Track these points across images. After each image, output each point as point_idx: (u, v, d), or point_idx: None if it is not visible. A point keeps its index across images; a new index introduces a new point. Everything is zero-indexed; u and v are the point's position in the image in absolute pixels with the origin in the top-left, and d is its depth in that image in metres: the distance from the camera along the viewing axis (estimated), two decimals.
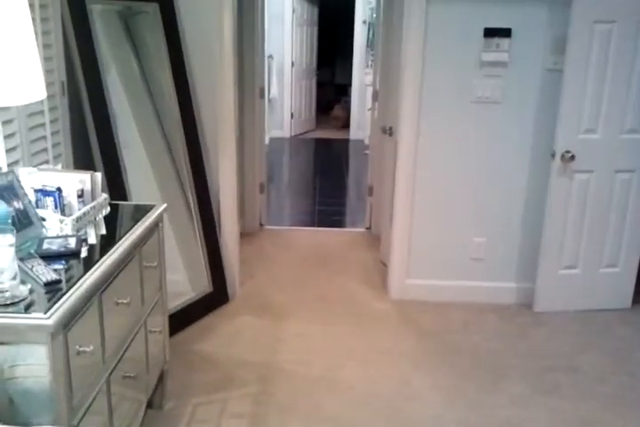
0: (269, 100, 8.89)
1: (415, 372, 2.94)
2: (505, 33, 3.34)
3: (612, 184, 3.42)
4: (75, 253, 1.84)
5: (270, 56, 8.66)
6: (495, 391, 2.80)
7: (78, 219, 2.06)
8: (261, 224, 5.05)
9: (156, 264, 2.27)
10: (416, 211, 3.62)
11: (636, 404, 2.73)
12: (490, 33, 3.34)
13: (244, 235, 4.55)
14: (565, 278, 3.53)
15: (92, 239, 2.05)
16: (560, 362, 3.07)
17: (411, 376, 2.90)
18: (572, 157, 3.30)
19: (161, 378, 2.48)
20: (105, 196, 2.30)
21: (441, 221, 3.64)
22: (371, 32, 8.24)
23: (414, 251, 3.69)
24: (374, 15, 6.45)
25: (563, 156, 3.30)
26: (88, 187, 2.20)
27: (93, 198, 2.22)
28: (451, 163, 3.54)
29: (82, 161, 2.80)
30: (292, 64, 9.16)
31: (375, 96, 4.78)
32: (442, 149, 3.53)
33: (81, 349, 1.59)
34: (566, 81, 3.24)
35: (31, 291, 1.56)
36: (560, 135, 3.30)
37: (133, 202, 2.83)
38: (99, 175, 2.26)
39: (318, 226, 5.26)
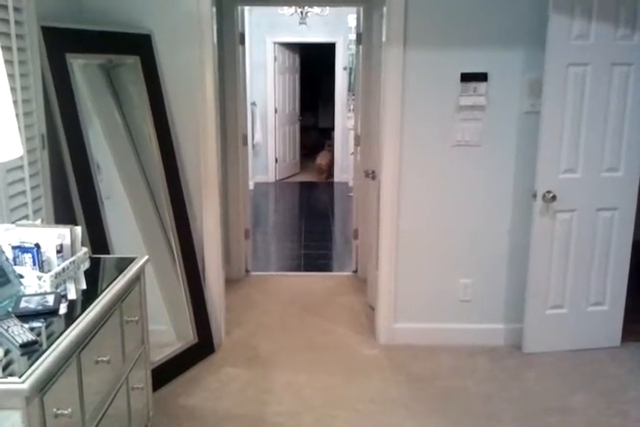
0: (254, 146, 8.97)
1: (406, 420, 2.88)
2: (482, 77, 3.41)
3: (594, 222, 3.44)
4: (53, 311, 1.80)
5: (254, 103, 8.78)
6: None
7: (57, 275, 2.03)
8: (247, 270, 5.01)
9: (137, 318, 2.23)
10: (401, 254, 3.61)
11: None
12: (467, 77, 3.41)
13: (230, 282, 4.51)
14: (553, 318, 3.51)
15: (72, 295, 2.02)
16: (552, 404, 3.02)
17: (402, 425, 2.84)
18: (554, 197, 3.32)
19: None
20: (85, 250, 2.27)
21: (426, 263, 3.63)
22: (352, 76, 8.40)
23: (401, 294, 3.66)
24: (354, 61, 6.58)
25: (544, 196, 3.33)
26: (67, 241, 2.17)
27: (73, 253, 2.19)
28: (434, 206, 3.56)
29: (63, 214, 2.78)
30: (276, 110, 9.28)
31: (357, 140, 4.84)
32: (424, 192, 3.55)
33: (58, 411, 1.54)
34: (544, 123, 3.29)
35: (6, 353, 1.52)
36: (540, 176, 3.33)
37: (115, 255, 2.80)
38: (78, 229, 2.24)
39: (304, 270, 5.22)
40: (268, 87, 9.12)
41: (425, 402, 3.04)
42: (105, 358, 1.86)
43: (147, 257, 2.39)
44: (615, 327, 3.60)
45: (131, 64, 3.21)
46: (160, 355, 3.16)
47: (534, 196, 3.36)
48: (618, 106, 3.32)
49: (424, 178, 3.53)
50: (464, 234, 3.58)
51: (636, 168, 3.41)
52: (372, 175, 3.98)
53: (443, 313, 3.67)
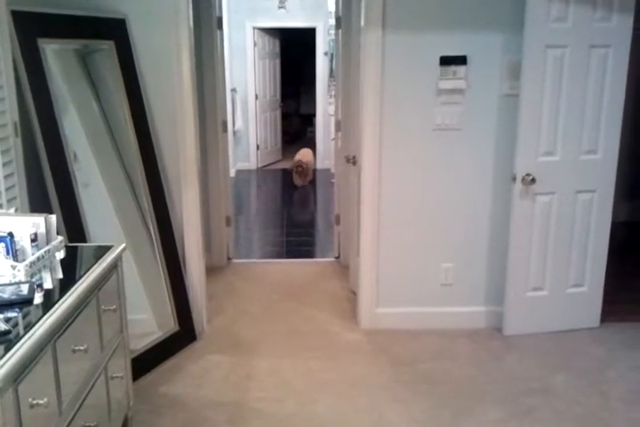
0: (235, 133, 8.90)
1: (389, 403, 2.89)
2: (461, 60, 3.39)
3: (573, 205, 3.46)
4: (28, 301, 1.77)
5: (234, 89, 8.71)
6: (471, 419, 2.76)
7: (32, 264, 2.00)
8: (229, 258, 4.99)
9: (115, 307, 2.21)
10: (382, 239, 3.61)
11: (609, 423, 2.71)
12: (446, 61, 3.39)
13: (212, 270, 4.49)
14: (533, 300, 3.54)
15: (48, 284, 1.99)
16: (534, 385, 3.05)
17: (385, 408, 2.85)
18: (533, 180, 3.33)
19: (125, 424, 2.40)
20: (60, 238, 2.24)
21: (408, 248, 3.63)
22: (333, 62, 8.34)
23: (382, 279, 3.66)
24: (335, 46, 6.52)
25: (523, 179, 3.34)
26: (42, 230, 2.14)
27: (48, 242, 2.16)
28: (414, 190, 3.55)
29: (38, 203, 2.74)
30: (256, 97, 9.21)
31: (338, 126, 4.81)
32: (405, 176, 3.54)
33: (34, 401, 1.52)
34: (523, 105, 3.29)
35: None
36: (520, 159, 3.34)
37: (92, 243, 2.76)
38: (53, 218, 2.21)
39: (287, 257, 5.22)
40: (248, 73, 9.04)
41: (407, 385, 3.05)
42: (82, 347, 1.84)
43: (124, 245, 2.36)
44: (594, 308, 3.63)
45: (106, 49, 3.16)
46: (141, 344, 3.15)
47: (514, 179, 3.36)
48: (596, 88, 3.33)
49: (404, 163, 3.52)
50: (445, 218, 3.59)
51: (614, 150, 3.43)
52: (352, 161, 3.97)
53: (424, 297, 3.68)
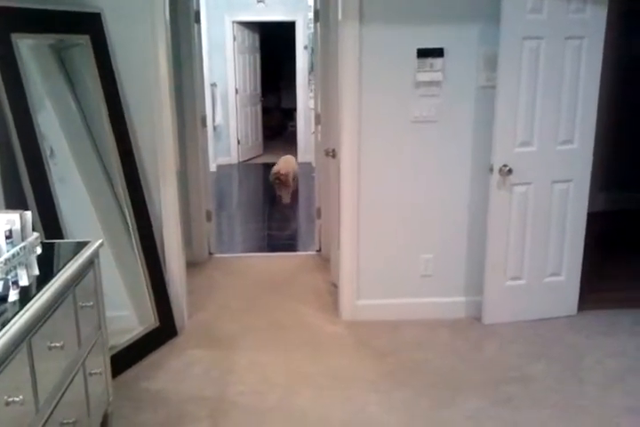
0: (215, 128, 8.87)
1: (370, 394, 2.91)
2: (438, 53, 3.40)
3: (550, 195, 3.50)
4: (2, 298, 1.76)
5: (214, 84, 8.66)
6: (451, 407, 2.79)
7: (7, 261, 1.97)
8: (210, 253, 4.98)
9: (92, 304, 2.20)
10: (362, 231, 3.63)
11: (587, 410, 2.76)
12: (423, 53, 3.40)
13: (193, 264, 4.48)
14: (511, 290, 3.58)
15: (24, 281, 1.97)
16: (513, 373, 3.08)
17: (366, 399, 2.87)
18: (510, 171, 3.36)
19: (105, 420, 2.39)
20: (36, 235, 2.22)
21: (387, 240, 3.65)
22: (313, 55, 8.33)
23: (363, 271, 3.68)
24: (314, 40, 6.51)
25: (500, 169, 3.36)
26: (17, 226, 2.12)
27: (24, 238, 2.14)
28: (393, 182, 3.57)
29: (13, 200, 2.72)
30: (237, 91, 9.18)
31: (318, 119, 4.81)
32: (384, 169, 3.55)
33: (9, 399, 1.52)
34: (499, 97, 3.31)
35: None
36: (497, 149, 3.36)
37: (69, 239, 2.75)
38: (28, 214, 2.18)
39: (269, 251, 5.22)
40: (227, 68, 9.00)
41: (389, 376, 3.08)
42: (58, 344, 1.83)
43: (101, 241, 2.35)
44: (572, 297, 3.68)
45: (82, 44, 3.13)
46: (122, 340, 3.14)
47: (491, 169, 3.39)
48: (571, 79, 3.36)
49: (383, 155, 3.53)
50: (424, 210, 3.61)
51: (589, 140, 3.47)
52: (332, 154, 3.97)
53: (404, 289, 3.71)
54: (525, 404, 2.82)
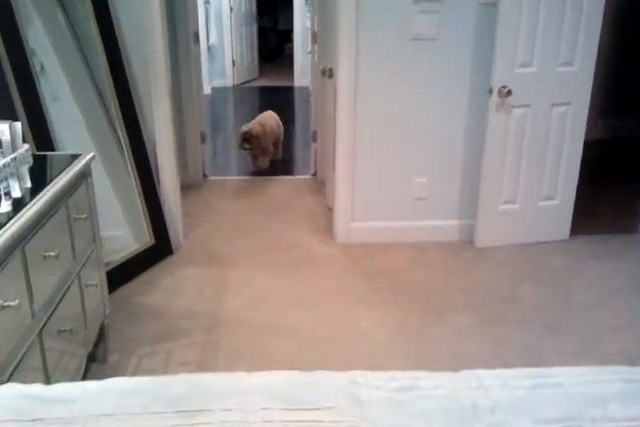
0: (209, 48, 8.62)
1: (361, 312, 2.98)
2: None
3: (548, 118, 3.45)
4: None
5: (207, 1, 8.35)
6: (441, 325, 2.86)
7: None
8: (205, 175, 4.96)
9: (85, 216, 2.20)
10: (358, 154, 3.59)
11: (572, 330, 2.83)
12: None
13: (188, 186, 4.47)
14: (505, 213, 3.59)
15: (17, 193, 1.96)
16: (503, 294, 3.14)
17: (357, 316, 2.94)
18: (509, 92, 3.29)
19: (102, 332, 2.45)
20: (27, 146, 2.20)
21: (383, 162, 3.62)
22: None
23: (358, 194, 3.68)
24: None
25: (500, 91, 3.30)
26: (7, 137, 2.10)
27: (14, 149, 2.12)
28: (390, 103, 3.50)
29: (3, 115, 2.66)
30: (231, 9, 8.86)
31: (314, 38, 4.67)
32: (381, 89, 3.48)
33: (5, 303, 1.54)
34: (501, 15, 3.20)
35: None
36: (497, 70, 3.28)
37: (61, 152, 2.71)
38: (18, 125, 2.16)
39: (264, 175, 5.19)
40: None
41: (381, 295, 3.13)
42: (53, 253, 1.84)
43: (93, 153, 2.33)
44: (565, 221, 3.70)
45: None
46: (118, 256, 3.17)
47: (490, 91, 3.32)
48: None
49: (381, 74, 3.45)
50: (420, 132, 3.56)
51: (590, 63, 3.38)
52: (328, 73, 3.87)
53: (398, 211, 3.72)
54: (514, 321, 2.89)
